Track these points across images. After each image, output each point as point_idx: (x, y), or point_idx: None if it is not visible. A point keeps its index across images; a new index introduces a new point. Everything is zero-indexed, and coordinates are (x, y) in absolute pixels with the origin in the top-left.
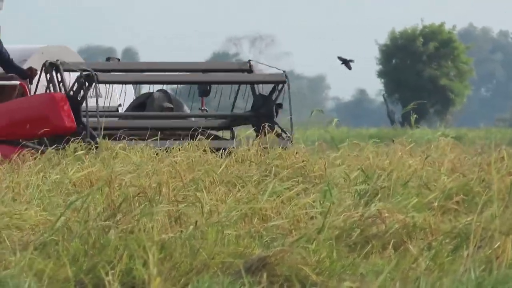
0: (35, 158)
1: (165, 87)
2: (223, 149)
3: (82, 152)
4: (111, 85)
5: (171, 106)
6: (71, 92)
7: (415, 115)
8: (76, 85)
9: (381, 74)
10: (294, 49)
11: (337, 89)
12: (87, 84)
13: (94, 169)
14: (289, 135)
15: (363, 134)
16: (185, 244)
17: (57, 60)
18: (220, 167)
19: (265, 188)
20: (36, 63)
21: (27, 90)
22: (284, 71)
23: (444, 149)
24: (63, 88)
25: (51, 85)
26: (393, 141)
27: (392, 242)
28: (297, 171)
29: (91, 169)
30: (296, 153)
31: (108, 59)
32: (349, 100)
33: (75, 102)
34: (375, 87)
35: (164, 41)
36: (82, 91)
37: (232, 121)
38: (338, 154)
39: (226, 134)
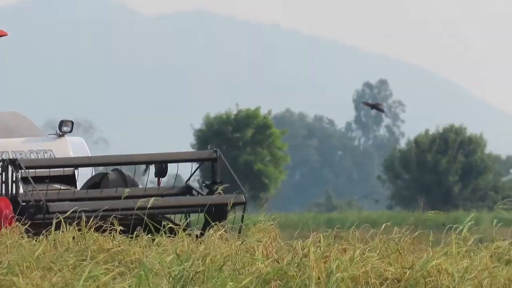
0: None
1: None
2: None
3: None
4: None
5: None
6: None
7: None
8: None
9: None
10: (112, 135)
11: None
12: (11, 170)
13: None
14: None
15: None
16: None
17: (16, 159)
18: (36, 252)
19: (82, 272)
20: None
21: None
22: (243, 192)
23: (259, 234)
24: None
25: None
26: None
27: None
28: (113, 255)
29: None
30: (114, 237)
31: None
32: None
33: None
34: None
35: None
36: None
37: (187, 208)
38: (154, 237)
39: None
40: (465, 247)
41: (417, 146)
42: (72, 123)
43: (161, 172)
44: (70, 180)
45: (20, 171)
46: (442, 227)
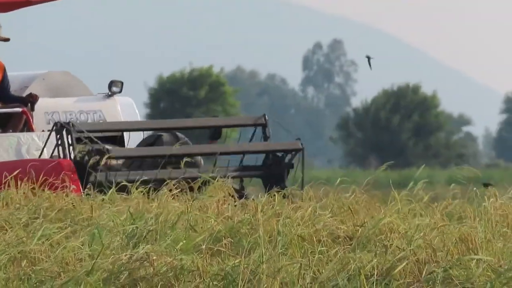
0: None
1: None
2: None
3: None
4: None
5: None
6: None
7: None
8: (86, 156)
9: (148, 119)
10: None
11: None
12: (98, 157)
13: None
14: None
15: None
16: None
17: (69, 123)
18: None
19: (34, 230)
20: (37, 90)
21: (30, 117)
22: (299, 139)
23: (213, 191)
24: (72, 152)
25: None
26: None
27: (160, 285)
28: (66, 213)
29: None
30: (66, 195)
31: None
32: None
33: (83, 166)
34: None
35: None
36: (91, 160)
37: (241, 173)
38: (106, 197)
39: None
40: (416, 205)
41: (372, 105)
42: (122, 83)
43: (215, 135)
44: (119, 140)
45: (74, 134)
46: (396, 186)
